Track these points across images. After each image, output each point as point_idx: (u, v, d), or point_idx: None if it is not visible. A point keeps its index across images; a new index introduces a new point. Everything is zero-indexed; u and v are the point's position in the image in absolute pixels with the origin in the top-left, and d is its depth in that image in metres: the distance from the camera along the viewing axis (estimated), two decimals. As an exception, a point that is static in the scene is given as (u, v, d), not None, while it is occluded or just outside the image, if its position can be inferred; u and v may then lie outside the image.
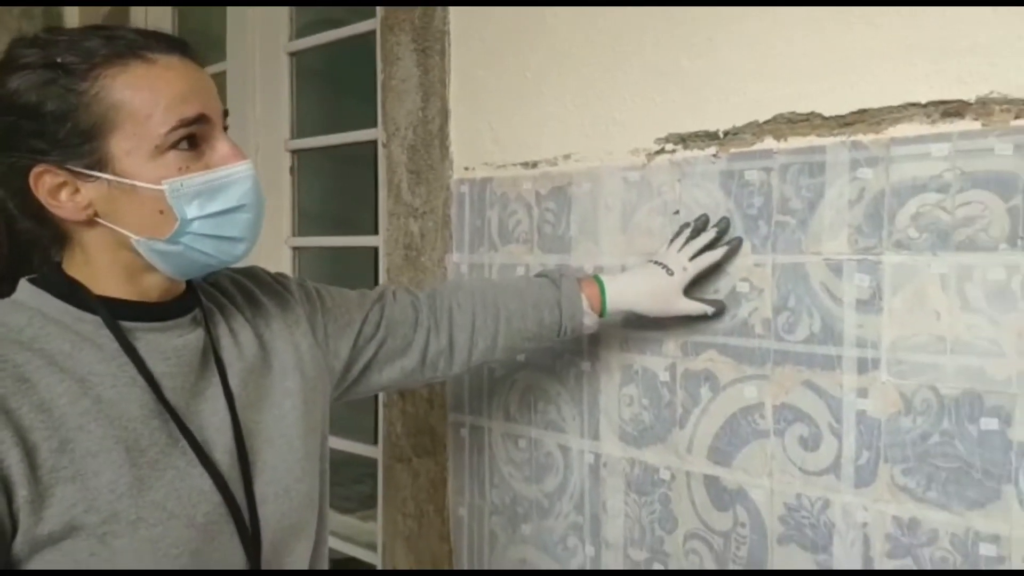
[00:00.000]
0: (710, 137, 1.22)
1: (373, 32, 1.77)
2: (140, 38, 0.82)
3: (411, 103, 1.65)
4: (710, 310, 1.19)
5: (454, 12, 1.57)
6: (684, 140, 1.25)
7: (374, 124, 1.77)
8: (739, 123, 1.19)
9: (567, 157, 1.41)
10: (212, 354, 0.91)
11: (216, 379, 0.90)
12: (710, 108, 1.22)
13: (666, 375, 1.29)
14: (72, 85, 0.79)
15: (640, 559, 1.33)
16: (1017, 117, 0.97)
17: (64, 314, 0.84)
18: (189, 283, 0.94)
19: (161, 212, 0.82)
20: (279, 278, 1.08)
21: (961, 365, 1.01)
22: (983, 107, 0.99)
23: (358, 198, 2.36)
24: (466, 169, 1.58)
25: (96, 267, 0.86)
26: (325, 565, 1.03)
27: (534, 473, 1.48)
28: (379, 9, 1.71)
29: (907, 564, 1.06)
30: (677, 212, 1.26)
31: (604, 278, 1.22)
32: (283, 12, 2.12)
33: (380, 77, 1.71)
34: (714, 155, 1.22)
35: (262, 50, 2.14)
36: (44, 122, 0.79)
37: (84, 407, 0.79)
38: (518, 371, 1.49)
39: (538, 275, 1.28)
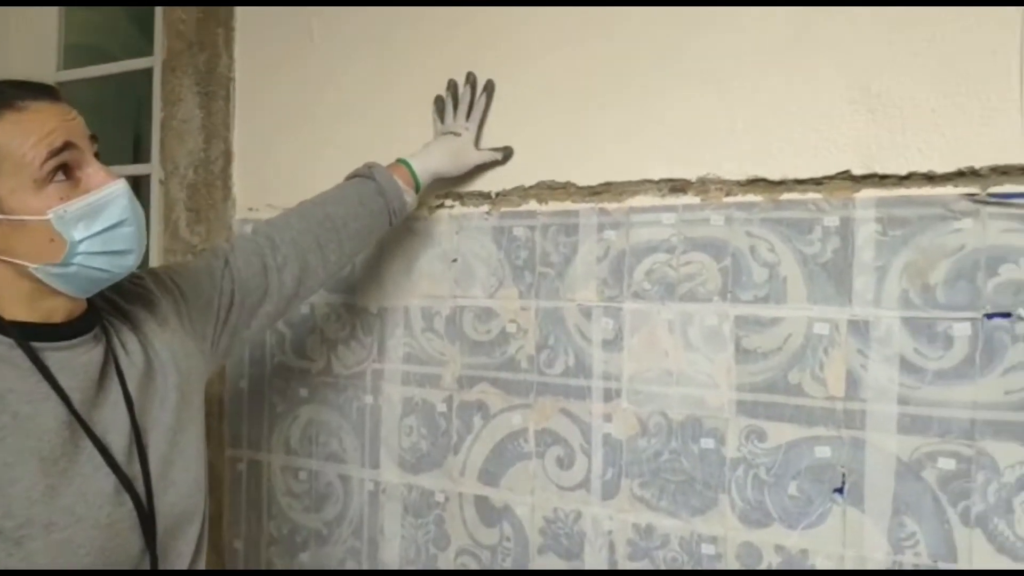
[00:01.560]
0: (484, 197, 1.39)
1: (147, 69, 1.80)
2: (12, 89, 0.90)
3: (192, 143, 1.69)
4: (499, 156, 1.36)
5: (240, 60, 1.65)
6: (462, 197, 1.41)
7: (133, 158, 1.78)
8: (508, 187, 1.37)
9: (352, 205, 1.52)
10: (113, 365, 0.98)
11: (117, 387, 0.97)
12: (484, 171, 1.39)
13: (443, 406, 1.43)
14: None
15: (416, 576, 1.45)
16: (728, 194, 1.21)
17: None
18: (90, 302, 1.00)
19: (52, 240, 0.90)
20: (136, 280, 1.12)
21: (685, 394, 1.24)
22: (702, 185, 1.23)
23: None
24: (250, 209, 1.64)
25: (2, 296, 0.92)
26: (205, 542, 1.11)
27: (313, 503, 1.56)
28: (158, 49, 1.74)
29: (645, 565, 1.26)
30: (455, 260, 1.41)
31: (407, 158, 1.34)
32: (51, 40, 2.06)
33: (159, 116, 1.74)
34: (487, 212, 1.39)
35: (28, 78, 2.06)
36: None
37: (3, 422, 0.87)
38: (300, 406, 1.57)
39: (348, 177, 1.35)
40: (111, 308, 1.06)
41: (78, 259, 0.91)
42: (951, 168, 1.05)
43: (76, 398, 0.93)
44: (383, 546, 1.48)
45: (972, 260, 1.04)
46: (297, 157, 1.59)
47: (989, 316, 1.03)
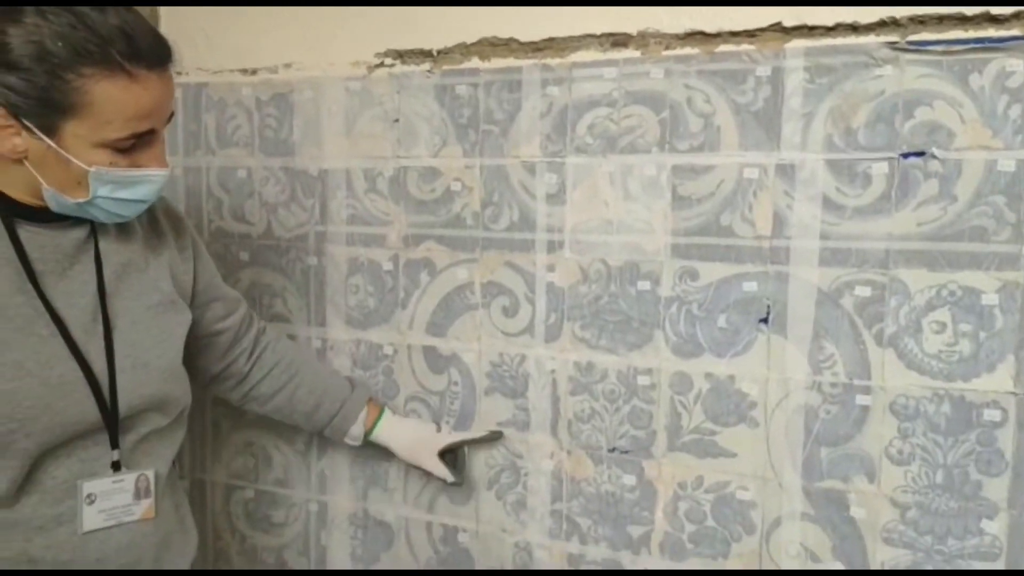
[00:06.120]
0: (425, 55, 1.41)
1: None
2: (130, 48, 0.92)
3: (113, 5, 1.62)
4: (450, 478, 1.38)
5: (163, -85, 1.58)
6: (402, 56, 1.42)
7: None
8: (450, 44, 1.39)
9: (288, 66, 1.51)
10: (94, 249, 1.05)
11: (91, 268, 1.06)
12: (424, 29, 1.40)
13: (389, 264, 1.47)
14: (58, 71, 0.90)
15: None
16: (667, 48, 1.26)
17: None
18: None
19: (79, 183, 0.97)
20: (179, 214, 1.25)
21: (624, 242, 1.32)
22: (642, 39, 1.28)
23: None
24: (178, 74, 1.60)
25: (14, 183, 0.99)
26: (179, 441, 1.20)
27: (260, 363, 1.59)
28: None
29: (585, 399, 1.36)
30: (397, 120, 1.44)
31: (387, 413, 1.43)
32: None
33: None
34: (429, 71, 1.41)
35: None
36: (22, 79, 0.90)
37: None
38: (241, 270, 1.59)
39: (348, 377, 1.47)
40: (148, 212, 1.15)
41: (87, 206, 0.99)
42: (874, 19, 1.14)
43: (39, 268, 1.00)
44: (332, 400, 1.54)
45: (891, 104, 1.14)
46: (226, 20, 1.55)
47: (904, 155, 1.14)
